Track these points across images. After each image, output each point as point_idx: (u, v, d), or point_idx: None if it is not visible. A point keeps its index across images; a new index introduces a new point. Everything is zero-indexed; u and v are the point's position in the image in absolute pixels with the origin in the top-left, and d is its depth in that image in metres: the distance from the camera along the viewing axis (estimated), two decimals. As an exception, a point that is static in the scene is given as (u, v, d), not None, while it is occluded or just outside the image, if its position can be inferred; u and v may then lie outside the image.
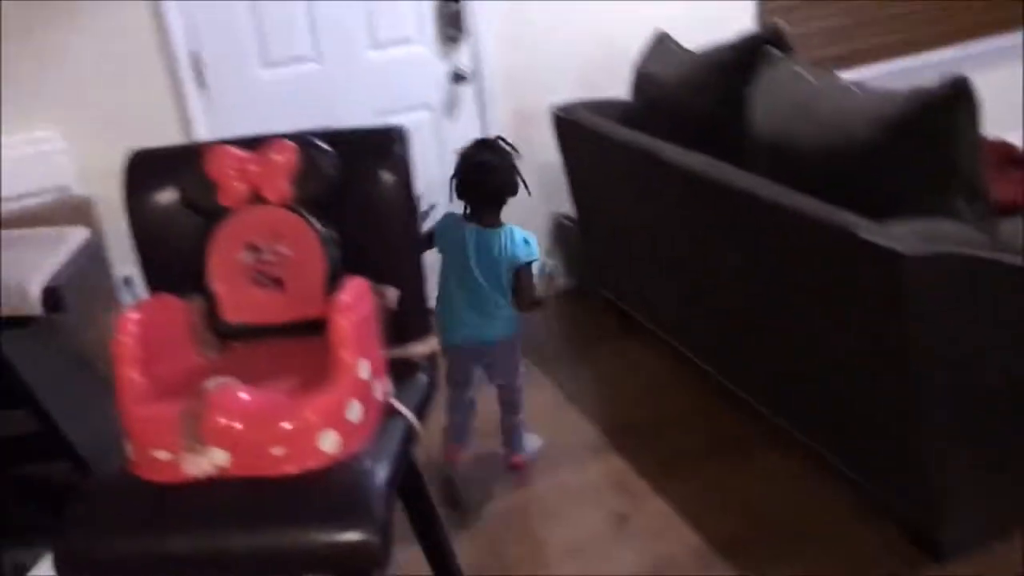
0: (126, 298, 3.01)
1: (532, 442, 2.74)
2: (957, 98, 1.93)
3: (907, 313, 1.87)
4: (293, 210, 1.74)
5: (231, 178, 1.74)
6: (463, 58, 3.40)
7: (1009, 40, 4.20)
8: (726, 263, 2.46)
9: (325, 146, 1.76)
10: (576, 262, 3.69)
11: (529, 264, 2.51)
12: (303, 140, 1.77)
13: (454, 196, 2.51)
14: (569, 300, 3.71)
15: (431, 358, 1.91)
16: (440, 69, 3.39)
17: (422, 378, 1.86)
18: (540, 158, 3.52)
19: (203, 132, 3.15)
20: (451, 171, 2.52)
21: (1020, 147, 2.89)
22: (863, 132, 2.06)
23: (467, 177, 2.48)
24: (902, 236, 1.84)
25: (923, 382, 1.94)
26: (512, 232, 2.52)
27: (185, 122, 3.13)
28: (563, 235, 3.65)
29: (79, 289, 2.44)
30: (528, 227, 3.55)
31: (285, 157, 1.74)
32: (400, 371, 1.81)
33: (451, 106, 3.44)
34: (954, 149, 1.98)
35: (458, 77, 3.39)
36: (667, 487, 2.51)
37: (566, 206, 3.46)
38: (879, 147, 2.03)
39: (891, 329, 1.93)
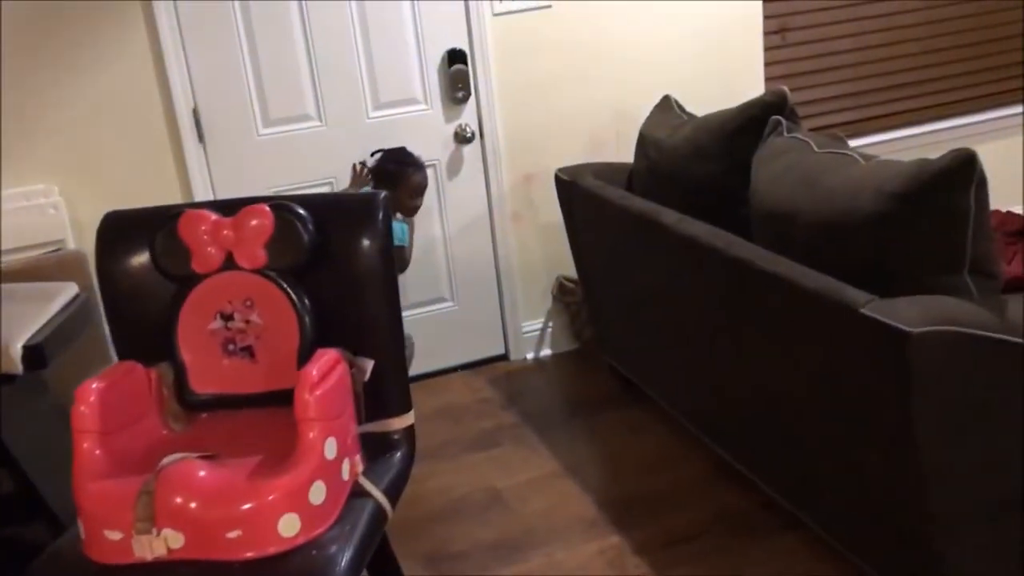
0: (116, 355, 2.96)
1: None
2: (963, 172, 1.85)
3: (911, 392, 1.78)
4: (267, 277, 1.68)
5: (204, 243, 1.68)
6: (469, 118, 3.36)
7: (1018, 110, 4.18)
8: (727, 335, 2.38)
9: (301, 211, 1.70)
10: (578, 325, 3.61)
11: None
12: (279, 205, 1.72)
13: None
14: (570, 364, 3.63)
15: (409, 432, 1.83)
16: (445, 129, 3.36)
17: (397, 454, 1.77)
18: (543, 219, 3.49)
19: (202, 189, 3.13)
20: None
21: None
22: (867, 204, 1.98)
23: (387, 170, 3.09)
24: (905, 312, 1.76)
25: (928, 463, 1.85)
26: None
27: (184, 178, 3.10)
28: (565, 297, 3.59)
29: (65, 346, 2.39)
30: (530, 286, 3.55)
31: (260, 222, 1.69)
32: (375, 445, 1.74)
33: (454, 165, 3.40)
34: (960, 224, 1.89)
35: (463, 137, 3.35)
36: (664, 566, 2.40)
37: (568, 267, 3.39)
38: (883, 220, 1.95)
39: (895, 408, 1.84)
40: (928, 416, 1.80)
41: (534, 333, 3.65)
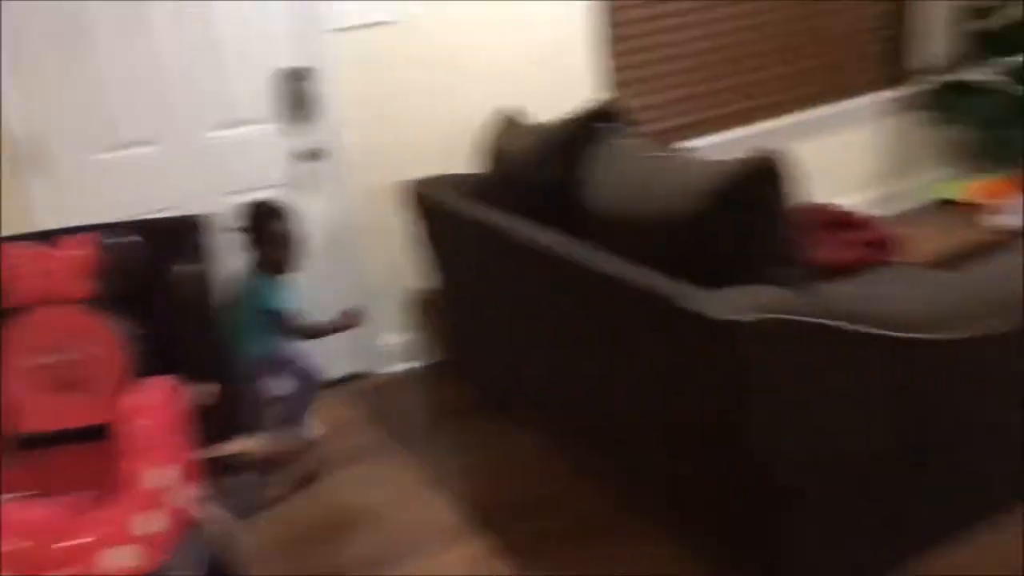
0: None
1: None
2: (766, 169, 1.96)
3: (736, 379, 1.87)
4: (91, 307, 1.66)
5: (23, 277, 1.64)
6: (314, 135, 3.35)
7: (853, 105, 4.44)
8: (572, 338, 2.44)
9: (126, 239, 1.69)
10: (439, 337, 3.64)
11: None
12: (103, 233, 1.69)
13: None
14: (434, 375, 3.65)
15: (255, 454, 1.82)
16: (289, 147, 3.33)
17: (248, 476, 1.77)
18: (398, 232, 3.49)
19: (44, 220, 3.01)
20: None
21: (850, 210, 2.98)
22: (686, 204, 2.08)
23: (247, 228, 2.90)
24: (723, 303, 1.83)
25: (759, 450, 1.93)
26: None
27: (23, 210, 2.99)
28: (425, 309, 3.61)
29: None
30: (390, 300, 3.54)
31: (81, 252, 1.66)
32: (219, 470, 1.73)
33: (302, 184, 3.37)
34: (770, 217, 2.01)
35: (308, 155, 3.34)
36: (528, 568, 2.44)
37: (428, 280, 3.42)
38: (701, 218, 2.04)
39: (724, 398, 1.93)
40: (755, 402, 1.88)
41: (397, 347, 3.66)
